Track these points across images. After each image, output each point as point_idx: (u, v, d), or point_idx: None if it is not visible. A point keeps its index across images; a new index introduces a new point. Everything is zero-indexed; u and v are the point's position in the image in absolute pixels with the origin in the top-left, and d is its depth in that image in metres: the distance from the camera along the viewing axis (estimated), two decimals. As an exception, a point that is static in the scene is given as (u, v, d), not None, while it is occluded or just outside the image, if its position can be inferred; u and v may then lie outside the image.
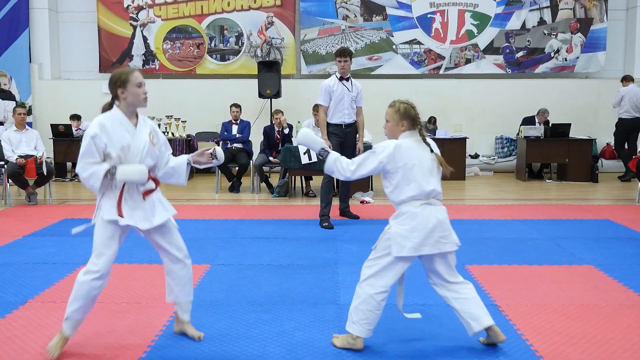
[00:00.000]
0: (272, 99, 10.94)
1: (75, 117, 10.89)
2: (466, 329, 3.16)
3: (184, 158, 3.29)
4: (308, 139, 3.35)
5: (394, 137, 3.17)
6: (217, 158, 3.29)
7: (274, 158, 9.03)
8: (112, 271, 3.21)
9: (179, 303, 3.35)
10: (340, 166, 3.18)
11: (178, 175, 3.28)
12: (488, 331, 3.15)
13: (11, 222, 6.80)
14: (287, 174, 8.77)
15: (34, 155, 7.92)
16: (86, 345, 3.28)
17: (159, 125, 10.58)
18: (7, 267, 4.87)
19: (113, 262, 3.12)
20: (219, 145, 10.04)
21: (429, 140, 3.17)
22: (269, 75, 10.78)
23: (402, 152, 3.06)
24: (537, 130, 10.49)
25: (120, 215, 3.06)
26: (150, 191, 3.16)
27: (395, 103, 3.17)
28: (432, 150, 3.13)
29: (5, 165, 7.94)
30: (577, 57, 12.01)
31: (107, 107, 3.15)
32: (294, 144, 8.62)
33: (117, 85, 3.08)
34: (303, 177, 9.08)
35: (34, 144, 8.14)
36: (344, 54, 6.52)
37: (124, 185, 3.08)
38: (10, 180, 7.97)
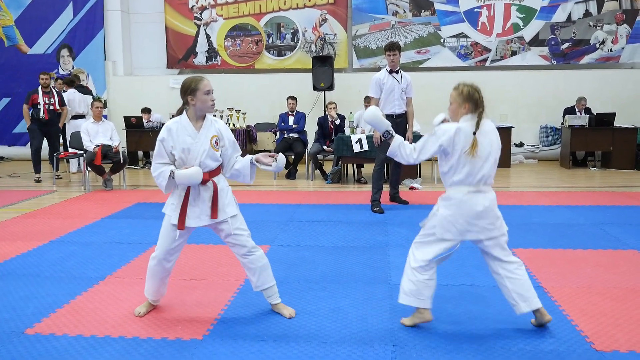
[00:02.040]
0: (326, 92, 10.92)
1: (146, 110, 11.15)
2: (513, 308, 3.10)
3: (247, 159, 3.30)
4: (376, 119, 3.27)
5: (455, 119, 3.06)
6: (276, 161, 3.27)
7: (327, 147, 9.03)
8: (182, 250, 3.34)
9: (261, 290, 3.41)
10: (404, 151, 3.12)
11: (243, 176, 3.31)
12: (535, 312, 3.09)
13: (90, 205, 7.03)
14: (340, 162, 8.76)
15: (107, 145, 8.18)
16: (160, 315, 3.39)
17: (221, 117, 10.74)
18: (88, 246, 5.05)
19: (177, 250, 3.31)
20: (276, 135, 10.12)
21: (489, 126, 3.04)
22: (323, 69, 10.77)
23: (461, 137, 2.96)
24: (582, 120, 10.17)
25: (181, 224, 3.19)
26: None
27: (460, 85, 3.05)
28: (474, 133, 2.97)
29: (85, 154, 8.21)
30: (623, 48, 11.53)
31: (179, 112, 3.24)
32: (348, 132, 8.61)
33: (188, 92, 3.15)
34: (355, 164, 9.06)
35: (110, 134, 8.37)
36: (393, 48, 6.45)
37: (188, 189, 3.19)
38: (88, 168, 8.24)
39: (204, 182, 3.18)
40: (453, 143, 2.96)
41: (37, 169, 9.16)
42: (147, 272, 3.37)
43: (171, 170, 3.15)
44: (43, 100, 9.01)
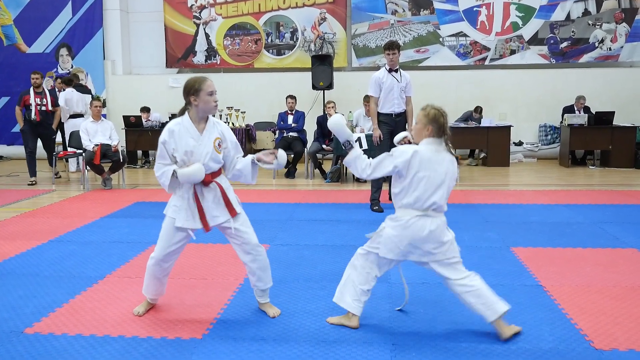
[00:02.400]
0: (325, 91, 10.92)
1: (145, 110, 11.14)
2: (484, 319, 3.00)
3: (249, 159, 3.28)
4: (338, 127, 3.21)
5: (418, 139, 3.05)
6: (277, 159, 3.26)
7: (327, 146, 9.03)
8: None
9: (255, 289, 3.42)
10: (360, 165, 3.09)
11: (245, 176, 3.30)
12: (494, 323, 2.99)
13: (89, 204, 7.02)
14: (339, 161, 8.76)
15: (106, 144, 8.14)
16: (160, 315, 3.39)
17: (220, 116, 10.73)
18: (87, 245, 5.04)
19: (177, 252, 3.30)
20: (275, 134, 10.12)
21: (449, 155, 3.01)
22: (322, 68, 10.76)
23: (417, 160, 2.95)
24: (581, 119, 10.17)
25: (205, 226, 3.20)
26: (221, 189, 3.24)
27: (427, 107, 3.03)
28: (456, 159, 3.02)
29: (84, 153, 8.20)
30: (622, 47, 11.53)
31: (181, 112, 3.22)
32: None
33: (190, 93, 3.13)
34: (354, 163, 9.04)
35: (109, 133, 8.36)
36: (392, 47, 6.44)
37: (195, 192, 3.19)
38: (87, 167, 8.23)
39: (207, 183, 3.17)
40: (408, 166, 2.95)
41: (32, 172, 8.84)
42: (146, 271, 3.37)
43: (174, 170, 3.14)
44: (35, 101, 8.75)
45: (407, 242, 2.99)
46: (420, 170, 2.95)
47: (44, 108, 8.85)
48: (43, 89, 8.99)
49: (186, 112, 3.19)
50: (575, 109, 10.59)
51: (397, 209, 3.06)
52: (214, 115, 3.33)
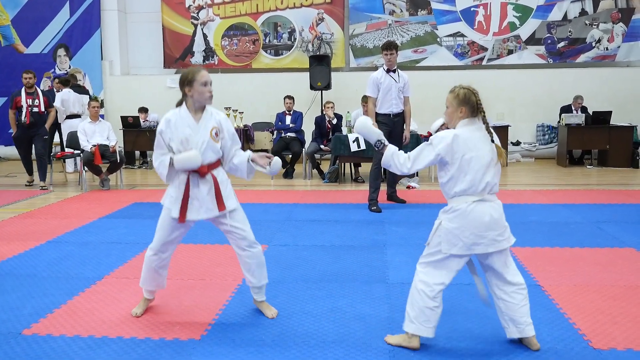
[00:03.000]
0: (323, 91, 10.92)
1: (143, 110, 11.12)
2: (505, 330, 2.94)
3: (245, 156, 3.27)
4: (366, 129, 3.12)
5: (452, 124, 2.87)
6: (270, 166, 3.24)
7: (324, 146, 9.03)
8: (180, 250, 3.35)
9: (251, 286, 3.40)
10: (397, 161, 2.92)
11: (240, 171, 3.30)
12: (523, 340, 2.91)
13: (87, 205, 7.01)
14: (337, 161, 8.76)
15: (104, 144, 8.12)
16: (158, 316, 3.38)
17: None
18: (85, 246, 5.03)
19: (174, 242, 3.30)
20: (273, 134, 10.10)
21: (491, 129, 2.83)
22: (320, 68, 10.76)
23: (459, 143, 2.75)
24: (578, 118, 10.19)
25: (182, 217, 3.17)
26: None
27: (455, 88, 2.84)
28: (492, 140, 2.79)
29: (82, 154, 8.18)
30: (619, 47, 11.55)
31: (179, 104, 3.22)
32: (345, 132, 8.60)
33: (185, 84, 3.13)
34: (352, 163, 9.05)
35: (106, 134, 8.34)
36: (390, 47, 6.43)
37: (188, 181, 3.16)
38: (85, 167, 8.21)
39: (203, 174, 3.16)
40: (452, 151, 2.76)
41: (29, 171, 8.69)
42: (144, 264, 3.36)
43: (170, 157, 3.13)
44: (26, 102, 8.26)
45: (470, 232, 2.74)
46: (466, 153, 2.74)
47: (35, 109, 8.33)
48: (35, 89, 8.47)
49: (183, 103, 3.19)
50: (573, 108, 10.61)
51: (450, 199, 2.83)
52: None
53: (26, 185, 8.65)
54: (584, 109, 10.63)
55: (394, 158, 2.95)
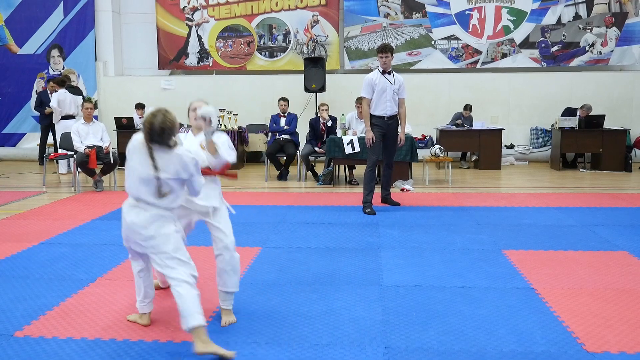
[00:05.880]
0: (317, 93, 10.93)
1: (140, 106, 11.00)
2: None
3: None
4: None
5: None
6: (201, 116, 3.09)
7: (319, 148, 9.02)
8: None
9: (219, 291, 3.38)
10: None
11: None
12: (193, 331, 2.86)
13: (80, 207, 6.98)
14: (332, 163, 8.75)
15: (99, 146, 8.09)
16: (152, 318, 3.35)
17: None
18: (78, 247, 5.01)
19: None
20: (267, 136, 10.09)
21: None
22: (315, 70, 10.77)
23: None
24: (572, 122, 10.22)
25: None
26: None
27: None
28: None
29: (75, 155, 8.15)
30: (612, 51, 11.62)
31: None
32: (340, 134, 8.61)
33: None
34: (347, 166, 9.05)
35: (100, 135, 8.31)
36: (385, 49, 6.43)
37: None
38: (79, 169, 8.18)
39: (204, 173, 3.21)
40: None
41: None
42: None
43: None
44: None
45: (124, 227, 3.04)
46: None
47: None
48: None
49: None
50: (579, 114, 10.43)
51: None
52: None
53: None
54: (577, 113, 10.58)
55: None
